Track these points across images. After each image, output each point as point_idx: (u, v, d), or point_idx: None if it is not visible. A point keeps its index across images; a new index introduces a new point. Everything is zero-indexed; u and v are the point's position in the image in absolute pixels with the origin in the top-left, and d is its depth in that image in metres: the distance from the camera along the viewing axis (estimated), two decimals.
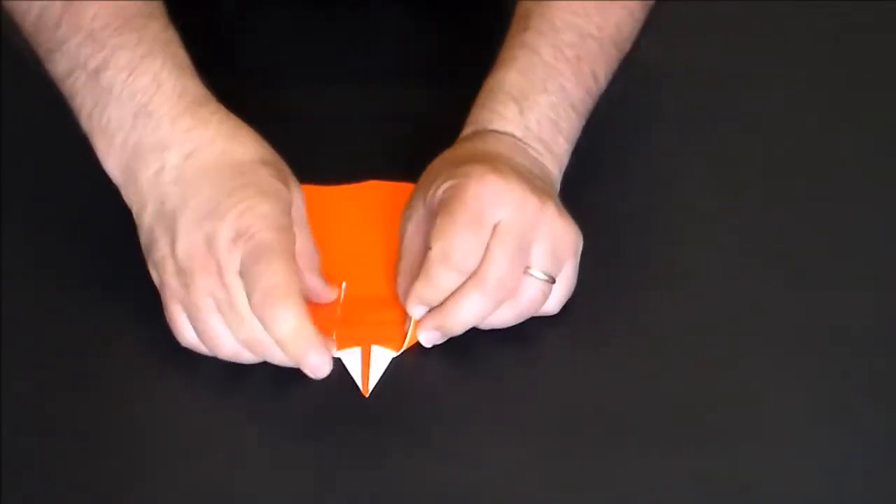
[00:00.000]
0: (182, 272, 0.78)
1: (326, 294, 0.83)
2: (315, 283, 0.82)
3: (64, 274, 0.85)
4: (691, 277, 0.85)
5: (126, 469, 0.75)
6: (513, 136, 0.84)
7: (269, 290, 0.75)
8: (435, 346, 0.80)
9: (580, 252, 0.82)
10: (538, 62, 0.86)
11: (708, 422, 0.78)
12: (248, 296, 0.76)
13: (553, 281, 0.80)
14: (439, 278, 0.79)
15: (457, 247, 0.78)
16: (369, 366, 0.80)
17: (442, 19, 1.04)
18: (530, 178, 0.81)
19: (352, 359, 0.80)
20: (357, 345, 0.80)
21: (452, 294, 0.79)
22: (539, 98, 0.85)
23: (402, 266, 0.82)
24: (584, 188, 0.87)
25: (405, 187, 0.86)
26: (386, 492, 0.74)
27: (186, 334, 0.79)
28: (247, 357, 0.78)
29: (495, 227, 0.78)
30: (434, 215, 0.80)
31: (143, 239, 0.80)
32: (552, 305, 0.81)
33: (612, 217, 0.88)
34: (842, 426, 0.78)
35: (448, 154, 0.84)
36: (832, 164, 0.94)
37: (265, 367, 0.78)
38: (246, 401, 0.78)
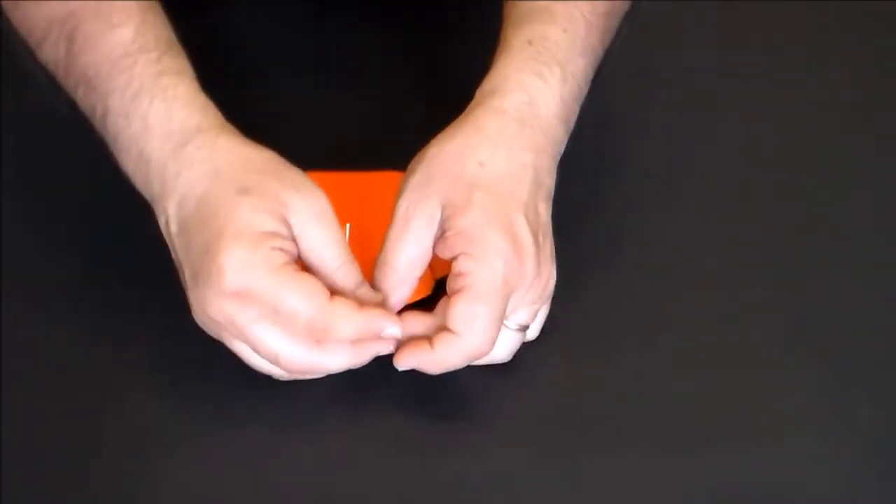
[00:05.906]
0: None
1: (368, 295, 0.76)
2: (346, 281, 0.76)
3: (64, 274, 0.85)
4: (691, 278, 0.85)
5: (126, 469, 0.76)
6: (549, 122, 0.77)
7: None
8: None
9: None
10: (578, 17, 0.79)
11: (708, 423, 0.78)
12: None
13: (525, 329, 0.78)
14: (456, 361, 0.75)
15: (487, 343, 0.74)
16: None
17: (425, 18, 1.03)
18: (544, 227, 0.76)
19: None
20: None
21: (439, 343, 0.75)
22: (579, 62, 0.78)
23: (396, 259, 0.76)
24: (582, 188, 0.87)
25: (375, 177, 0.85)
26: (386, 493, 0.75)
27: None
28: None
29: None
30: (443, 234, 0.75)
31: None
32: (504, 354, 0.78)
33: (612, 218, 0.88)
34: (842, 426, 0.78)
35: (474, 150, 0.75)
36: (833, 164, 0.94)
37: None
38: (246, 402, 0.78)
